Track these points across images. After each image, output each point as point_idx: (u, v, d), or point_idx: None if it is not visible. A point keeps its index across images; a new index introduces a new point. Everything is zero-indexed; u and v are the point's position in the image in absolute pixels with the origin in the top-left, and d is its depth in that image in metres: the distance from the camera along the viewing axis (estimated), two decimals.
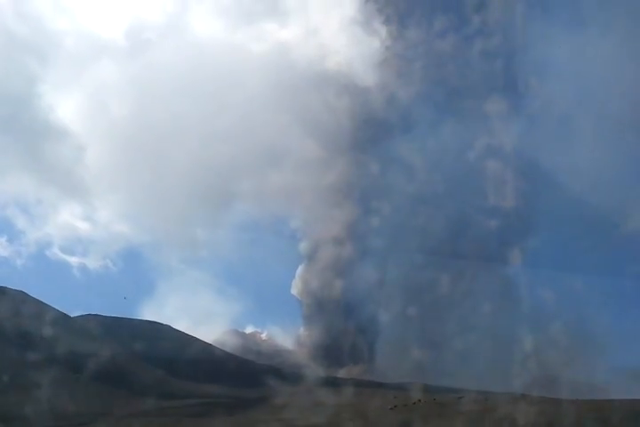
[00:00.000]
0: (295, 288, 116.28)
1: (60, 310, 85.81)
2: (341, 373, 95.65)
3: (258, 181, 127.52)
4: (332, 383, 71.82)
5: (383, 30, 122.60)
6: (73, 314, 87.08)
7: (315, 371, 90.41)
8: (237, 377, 58.91)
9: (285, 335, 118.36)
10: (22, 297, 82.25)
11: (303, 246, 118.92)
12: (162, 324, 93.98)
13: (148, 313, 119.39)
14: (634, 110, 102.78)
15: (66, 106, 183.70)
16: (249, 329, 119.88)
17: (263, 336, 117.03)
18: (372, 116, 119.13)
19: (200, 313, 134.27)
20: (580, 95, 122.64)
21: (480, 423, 32.67)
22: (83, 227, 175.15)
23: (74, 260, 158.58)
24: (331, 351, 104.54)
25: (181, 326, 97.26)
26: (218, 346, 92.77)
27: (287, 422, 31.50)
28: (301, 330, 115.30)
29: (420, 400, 41.11)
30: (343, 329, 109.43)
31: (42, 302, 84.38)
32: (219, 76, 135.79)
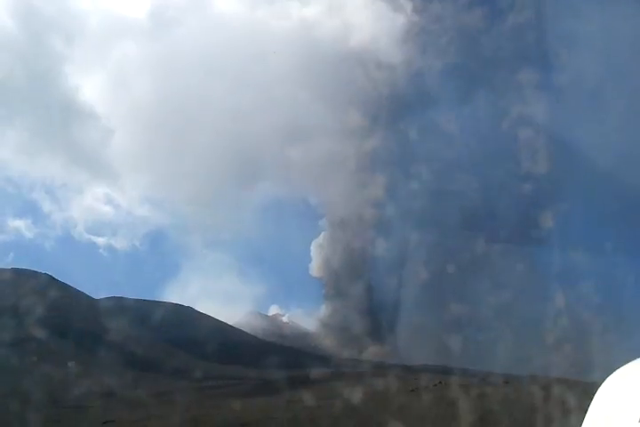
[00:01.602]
0: (316, 268, 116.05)
1: (86, 292, 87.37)
2: (363, 355, 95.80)
3: (282, 158, 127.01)
4: (353, 365, 72.00)
5: (408, 5, 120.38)
6: (98, 296, 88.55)
7: (336, 353, 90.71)
8: (260, 359, 59.18)
9: (308, 317, 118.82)
10: (48, 280, 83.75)
11: (325, 224, 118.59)
12: (185, 306, 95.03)
13: (172, 295, 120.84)
14: None
15: (91, 86, 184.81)
16: (272, 311, 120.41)
17: (284, 319, 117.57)
18: (397, 91, 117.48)
19: (223, 295, 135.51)
20: (610, 67, 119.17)
21: (502, 406, 32.25)
22: (108, 209, 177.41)
23: (100, 240, 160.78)
24: (352, 333, 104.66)
25: (204, 308, 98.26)
26: (240, 328, 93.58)
27: (306, 405, 31.43)
28: (323, 311, 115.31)
29: (440, 382, 40.76)
30: (365, 310, 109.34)
31: (67, 284, 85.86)
32: (242, 54, 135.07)
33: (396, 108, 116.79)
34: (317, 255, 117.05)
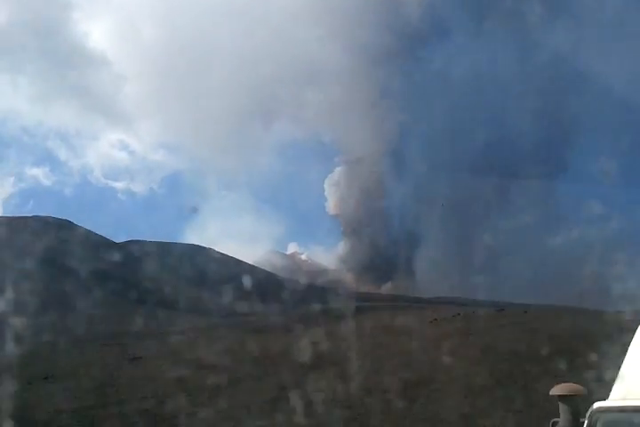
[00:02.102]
0: (332, 205, 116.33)
1: (106, 236, 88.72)
2: (383, 288, 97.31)
3: (296, 98, 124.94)
4: (372, 299, 73.27)
5: None
6: (118, 240, 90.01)
7: (356, 288, 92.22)
8: (280, 296, 60.22)
9: (326, 254, 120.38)
10: (68, 225, 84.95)
11: (340, 162, 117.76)
12: (205, 247, 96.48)
13: (192, 237, 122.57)
14: None
15: (101, 32, 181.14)
16: (291, 249, 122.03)
17: (303, 257, 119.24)
18: (409, 26, 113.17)
19: (241, 235, 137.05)
20: None
21: (521, 335, 32.62)
22: (123, 155, 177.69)
23: (118, 185, 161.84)
24: (371, 268, 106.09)
25: (224, 248, 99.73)
26: (260, 267, 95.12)
27: (330, 338, 31.94)
28: (341, 248, 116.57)
29: (459, 314, 41.25)
30: (383, 245, 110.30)
31: (87, 229, 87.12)
32: None
33: (409, 45, 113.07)
34: (333, 193, 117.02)
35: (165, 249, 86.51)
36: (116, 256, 73.40)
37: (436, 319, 39.49)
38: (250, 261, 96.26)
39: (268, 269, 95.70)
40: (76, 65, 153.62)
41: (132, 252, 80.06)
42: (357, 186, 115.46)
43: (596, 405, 4.68)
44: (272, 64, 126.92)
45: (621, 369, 4.84)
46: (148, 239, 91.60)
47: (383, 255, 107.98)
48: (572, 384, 10.32)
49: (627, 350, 5.26)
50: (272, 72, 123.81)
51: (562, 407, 9.45)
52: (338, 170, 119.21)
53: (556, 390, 9.96)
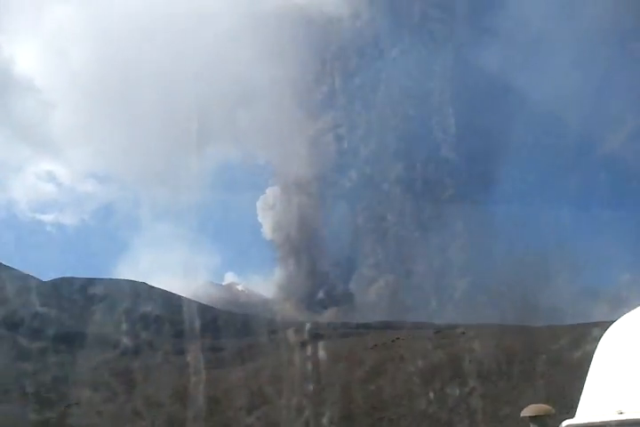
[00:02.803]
0: (268, 231, 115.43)
1: (34, 275, 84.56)
2: (324, 316, 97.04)
3: (230, 120, 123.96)
4: (313, 327, 72.85)
5: None
6: (47, 278, 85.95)
7: (295, 316, 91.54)
8: (216, 329, 59.04)
9: (264, 282, 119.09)
10: None
11: (275, 185, 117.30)
12: (138, 282, 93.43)
13: (124, 271, 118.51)
14: (612, 30, 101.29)
15: (27, 57, 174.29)
16: (227, 278, 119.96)
17: (240, 287, 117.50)
18: (344, 46, 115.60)
19: (176, 267, 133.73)
20: (554, 15, 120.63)
21: (458, 356, 33.23)
22: (51, 187, 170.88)
23: (47, 217, 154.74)
24: (311, 295, 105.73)
25: (158, 282, 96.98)
26: (196, 300, 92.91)
27: (274, 370, 31.50)
28: (278, 275, 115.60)
29: (398, 338, 41.65)
30: (322, 271, 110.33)
31: (12, 267, 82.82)
32: (183, 14, 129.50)
33: (343, 64, 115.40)
34: (269, 218, 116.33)
35: (96, 285, 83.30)
36: (42, 295, 69.90)
37: (376, 345, 39.72)
38: (185, 294, 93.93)
39: (204, 301, 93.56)
40: (1, 92, 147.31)
41: (60, 290, 76.64)
42: (294, 210, 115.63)
43: (565, 423, 4.74)
44: (205, 86, 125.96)
45: (585, 385, 4.87)
46: (78, 276, 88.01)
47: (322, 281, 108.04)
48: (541, 405, 10.71)
49: (582, 364, 5.32)
50: (205, 94, 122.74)
51: None
52: (273, 193, 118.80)
53: (527, 411, 10.29)
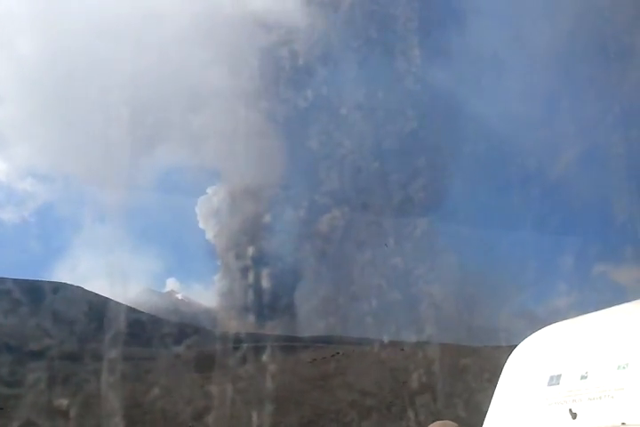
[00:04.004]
0: (212, 237, 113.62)
1: None
2: (265, 328, 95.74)
3: (179, 124, 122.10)
4: (253, 339, 71.53)
5: None
6: None
7: (233, 328, 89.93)
8: (154, 338, 57.04)
9: (205, 291, 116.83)
10: None
11: (221, 191, 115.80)
12: (74, 286, 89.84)
13: (61, 274, 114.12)
14: (565, 53, 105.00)
15: None
16: (169, 285, 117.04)
17: (179, 296, 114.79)
18: (298, 55, 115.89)
19: (115, 272, 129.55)
20: (511, 35, 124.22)
21: (398, 371, 32.99)
22: None
23: None
24: (253, 306, 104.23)
25: (95, 286, 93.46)
26: (132, 306, 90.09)
27: (205, 382, 30.34)
28: (220, 283, 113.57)
29: (338, 353, 41.15)
30: (265, 281, 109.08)
31: None
32: (136, 15, 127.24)
33: (296, 72, 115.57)
34: (213, 224, 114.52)
35: (28, 288, 79.50)
36: None
37: (315, 359, 39.05)
38: (122, 301, 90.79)
39: (142, 309, 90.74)
40: None
41: None
42: (238, 216, 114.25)
43: None
44: (155, 88, 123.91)
45: (491, 403, 4.77)
46: (10, 277, 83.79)
47: (265, 292, 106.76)
48: (446, 421, 10.18)
49: (496, 384, 5.24)
50: (155, 96, 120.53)
51: None
52: (218, 198, 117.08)
53: None
